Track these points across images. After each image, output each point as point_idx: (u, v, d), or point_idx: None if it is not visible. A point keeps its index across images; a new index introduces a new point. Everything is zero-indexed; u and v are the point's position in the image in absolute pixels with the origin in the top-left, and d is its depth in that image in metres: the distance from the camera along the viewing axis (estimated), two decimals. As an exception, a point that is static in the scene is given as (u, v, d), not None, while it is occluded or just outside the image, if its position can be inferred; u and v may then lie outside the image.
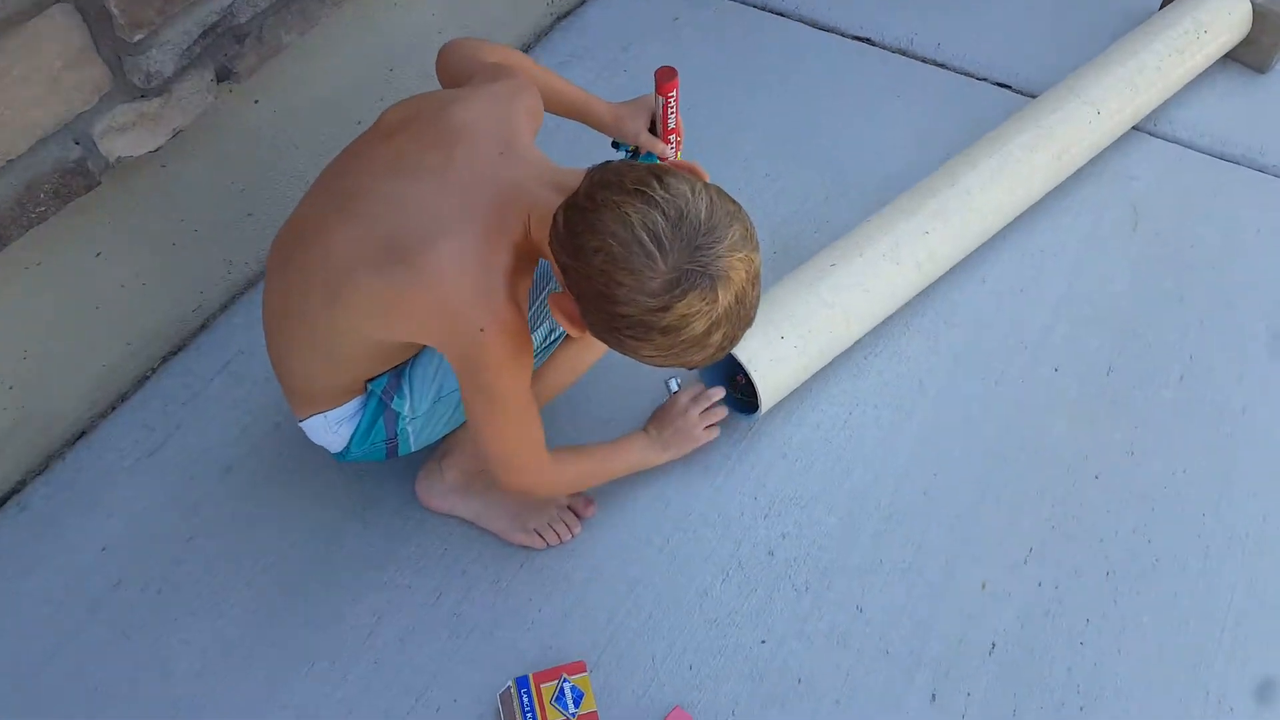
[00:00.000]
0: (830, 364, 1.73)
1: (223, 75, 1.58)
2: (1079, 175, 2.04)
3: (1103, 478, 1.63)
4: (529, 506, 1.53)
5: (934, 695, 1.41)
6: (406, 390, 1.39)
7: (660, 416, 1.60)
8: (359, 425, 1.41)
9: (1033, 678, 1.43)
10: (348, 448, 1.44)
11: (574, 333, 1.15)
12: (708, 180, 1.10)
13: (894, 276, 1.74)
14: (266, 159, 1.79)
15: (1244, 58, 2.29)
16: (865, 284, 1.71)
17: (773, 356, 1.60)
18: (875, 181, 2.05)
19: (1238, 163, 2.11)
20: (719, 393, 1.61)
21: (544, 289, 1.46)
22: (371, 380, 1.39)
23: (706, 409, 1.60)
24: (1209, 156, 2.12)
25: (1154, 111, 2.15)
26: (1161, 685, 1.42)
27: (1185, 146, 2.14)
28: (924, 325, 1.84)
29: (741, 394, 1.67)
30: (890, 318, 1.80)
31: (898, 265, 1.74)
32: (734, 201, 1.08)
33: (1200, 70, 2.17)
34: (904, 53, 2.35)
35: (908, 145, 2.14)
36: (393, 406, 1.39)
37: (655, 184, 1.04)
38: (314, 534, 1.56)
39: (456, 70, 1.40)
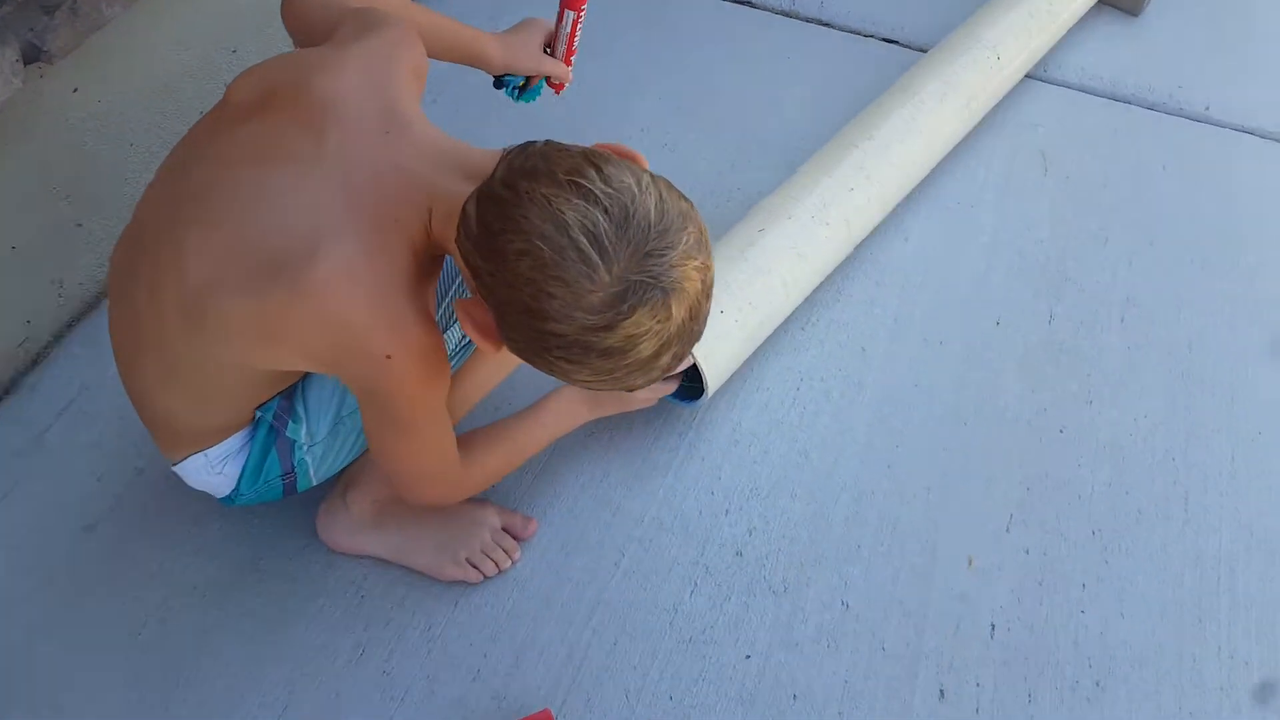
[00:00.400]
0: (767, 340, 1.53)
1: (31, 55, 1.25)
2: (982, 126, 1.90)
3: (1067, 431, 1.48)
4: (458, 534, 1.26)
5: (942, 691, 1.21)
6: (301, 412, 1.10)
7: None
8: (248, 461, 1.12)
9: (1041, 656, 1.25)
10: (236, 489, 1.14)
11: (487, 349, 0.91)
12: (649, 169, 0.88)
13: (825, 238, 1.55)
14: (95, 157, 1.46)
15: (1118, 2, 2.21)
16: (798, 248, 1.51)
17: (715, 334, 1.37)
18: (778, 145, 1.86)
19: (1130, 102, 2.02)
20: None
21: (454, 284, 1.20)
22: (259, 407, 1.10)
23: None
24: (1103, 99, 2.02)
25: (1044, 58, 2.05)
26: (1172, 646, 1.27)
27: (1079, 90, 2.04)
28: (855, 290, 1.65)
29: (681, 379, 1.44)
30: (819, 286, 1.61)
31: (827, 226, 1.55)
32: (685, 198, 0.87)
33: (1085, 11, 2.08)
34: (787, 14, 2.17)
35: (804, 107, 1.96)
36: (287, 434, 1.10)
37: (594, 174, 0.82)
38: (201, 595, 1.25)
39: (311, 20, 1.11)
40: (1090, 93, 2.03)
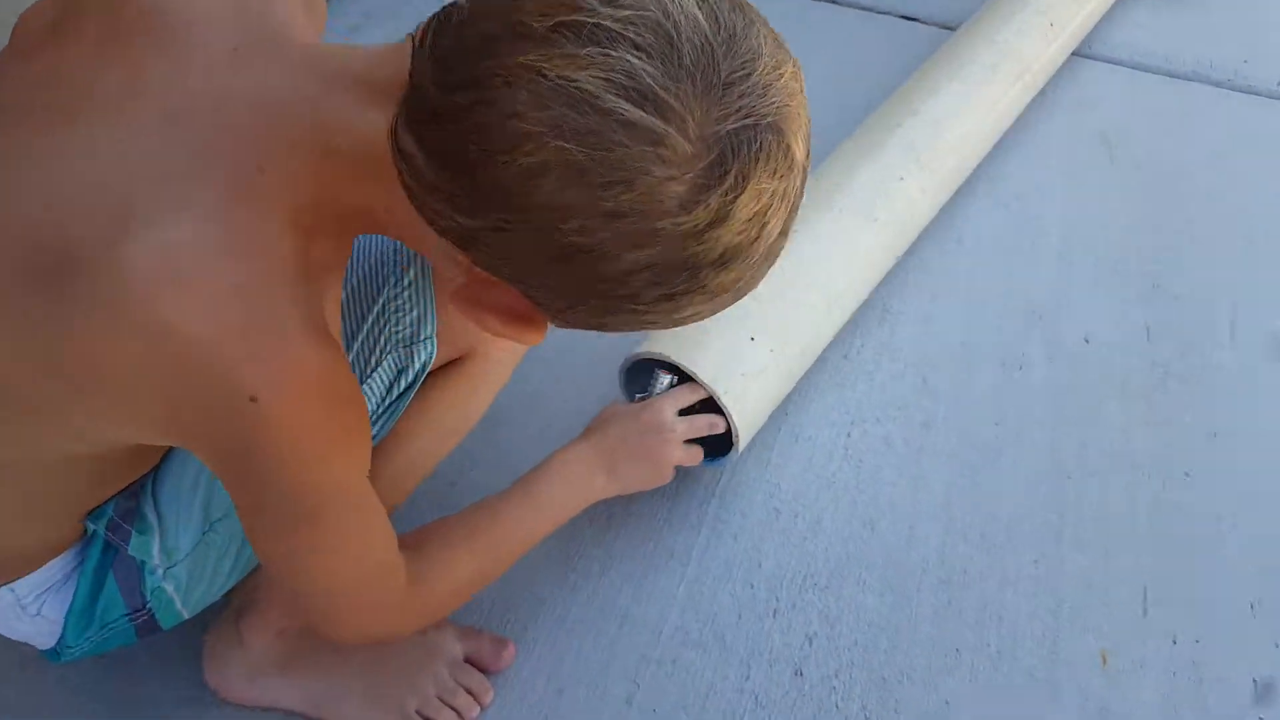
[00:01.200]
0: (804, 374, 1.17)
1: None
2: (1032, 109, 1.57)
3: (1195, 474, 1.13)
4: (402, 674, 0.87)
5: None
6: (151, 517, 0.72)
7: (612, 423, 0.92)
8: (74, 598, 0.73)
9: (1220, 797, 0.89)
10: (62, 639, 0.75)
11: (529, 338, 0.58)
12: None
13: (872, 239, 1.20)
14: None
15: (1161, -32, 1.91)
16: (842, 252, 1.16)
17: (744, 370, 1.01)
18: (792, 137, 1.52)
19: (1190, 79, 1.70)
20: (720, 423, 0.99)
21: (382, 295, 0.82)
22: (89, 514, 0.71)
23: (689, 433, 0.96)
24: (1160, 76, 1.71)
25: (1089, 35, 1.73)
26: (1392, 772, 0.91)
27: (1132, 68, 1.72)
28: (906, 306, 1.30)
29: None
30: (862, 302, 1.26)
31: (875, 222, 1.20)
32: None
33: (1133, -25, 1.77)
34: (787, -10, 1.84)
35: (821, 93, 1.59)
36: (130, 552, 0.71)
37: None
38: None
39: None
40: (1146, 70, 1.72)
